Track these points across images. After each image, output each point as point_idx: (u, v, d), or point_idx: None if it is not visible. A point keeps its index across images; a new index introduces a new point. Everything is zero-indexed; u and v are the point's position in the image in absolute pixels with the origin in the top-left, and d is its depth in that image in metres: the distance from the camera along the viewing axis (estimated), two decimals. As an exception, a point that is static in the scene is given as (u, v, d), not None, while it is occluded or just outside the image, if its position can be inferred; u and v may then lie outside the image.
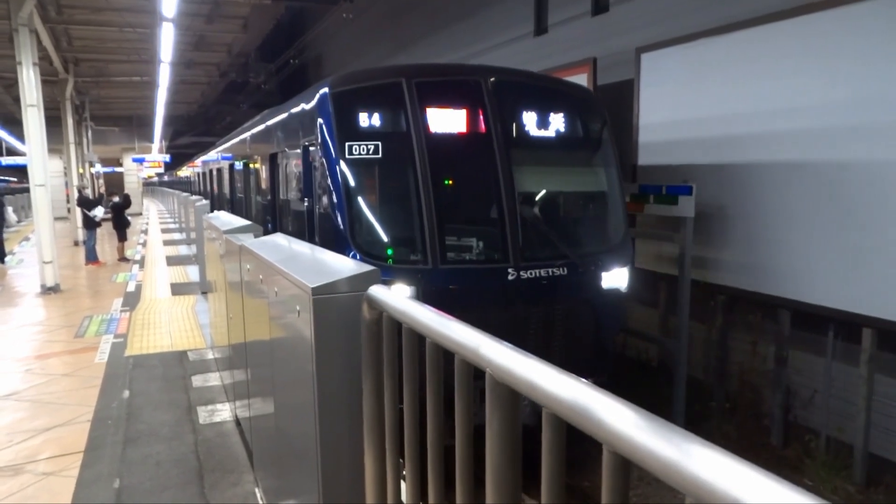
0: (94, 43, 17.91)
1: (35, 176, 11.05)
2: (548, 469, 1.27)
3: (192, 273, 12.73)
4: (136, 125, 35.73)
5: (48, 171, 11.50)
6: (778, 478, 0.80)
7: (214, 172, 16.88)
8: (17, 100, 11.77)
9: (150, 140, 37.52)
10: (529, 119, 6.03)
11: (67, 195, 24.58)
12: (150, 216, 32.39)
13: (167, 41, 15.21)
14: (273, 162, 8.45)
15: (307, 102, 6.32)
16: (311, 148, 6.15)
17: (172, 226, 24.81)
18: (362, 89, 5.80)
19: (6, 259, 15.18)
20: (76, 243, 18.12)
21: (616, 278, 6.01)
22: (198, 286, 10.89)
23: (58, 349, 7.42)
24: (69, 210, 22.29)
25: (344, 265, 2.58)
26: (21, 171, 33.67)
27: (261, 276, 3.22)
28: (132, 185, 37.35)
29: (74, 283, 12.21)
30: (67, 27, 16.12)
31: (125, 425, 5.05)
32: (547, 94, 6.38)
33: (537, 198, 6.22)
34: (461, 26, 14.99)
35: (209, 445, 4.67)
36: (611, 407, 1.08)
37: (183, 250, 16.74)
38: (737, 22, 7.02)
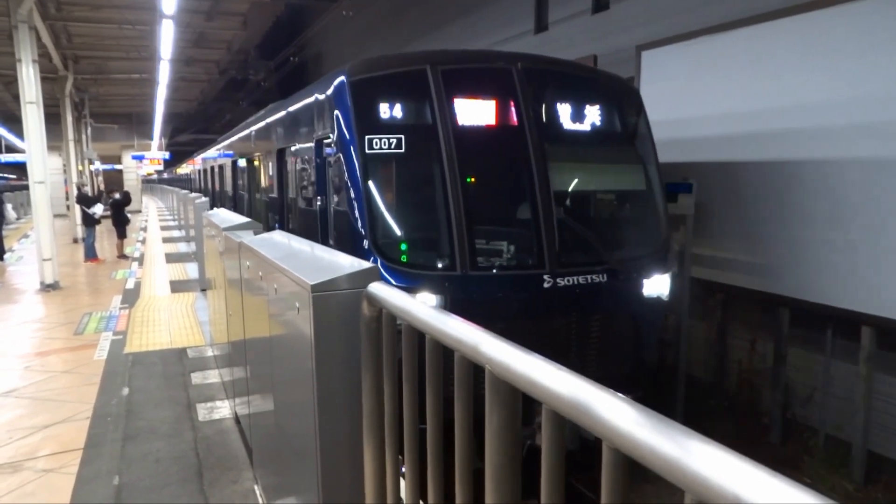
0: (93, 40, 17.87)
1: (34, 173, 11.04)
2: (547, 467, 1.27)
3: (191, 270, 12.72)
4: (135, 122, 35.67)
5: (47, 169, 11.49)
6: (777, 474, 0.80)
7: (216, 169, 16.70)
8: (16, 97, 11.76)
9: (150, 137, 37.47)
10: (564, 111, 5.56)
11: (67, 192, 24.57)
12: (150, 213, 32.37)
13: (167, 38, 15.19)
14: (281, 158, 8.03)
15: (321, 92, 5.84)
16: (326, 142, 5.76)
17: (172, 223, 24.79)
18: (383, 77, 5.33)
19: (5, 256, 15.16)
20: (75, 240, 18.10)
21: (657, 285, 5.53)
22: (197, 283, 10.89)
23: (57, 346, 7.41)
24: (68, 207, 22.28)
25: (343, 262, 2.57)
26: (20, 168, 33.65)
27: (260, 274, 3.22)
28: (132, 182, 37.33)
29: (74, 280, 12.20)
30: (67, 24, 16.08)
31: (124, 422, 5.05)
32: (582, 83, 5.91)
33: (574, 197, 5.80)
34: (461, 24, 14.98)
35: (208, 443, 4.67)
36: (610, 403, 1.07)
37: (182, 247, 16.73)
38: (738, 20, 7.01)
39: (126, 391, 5.78)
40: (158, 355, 6.94)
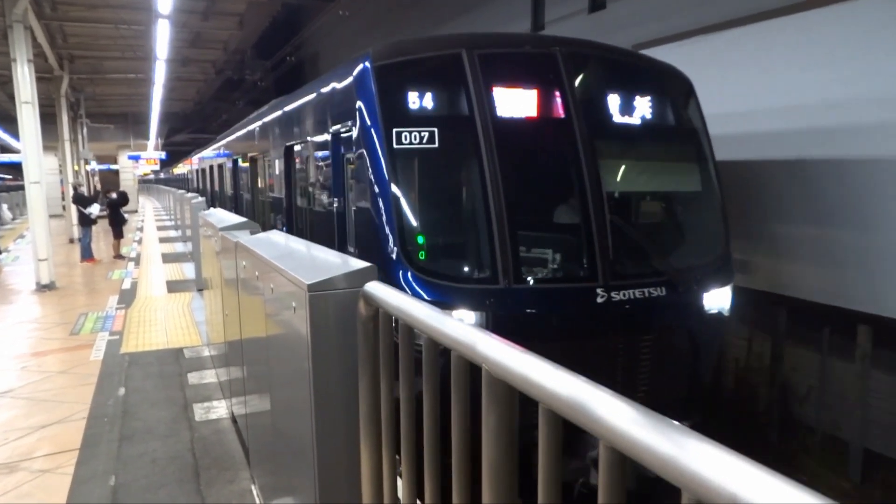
0: (89, 40, 17.82)
1: (30, 173, 11.01)
2: (544, 467, 1.26)
3: (187, 270, 12.69)
4: (131, 122, 35.60)
5: (43, 169, 11.46)
6: (775, 472, 0.79)
7: (215, 169, 16.46)
8: (11, 97, 11.72)
9: (146, 137, 37.39)
10: (615, 102, 4.96)
11: (63, 192, 24.49)
12: (146, 213, 32.29)
13: (163, 38, 15.17)
14: (289, 155, 7.42)
15: (339, 80, 5.26)
16: (345, 136, 5.20)
17: (168, 223, 24.74)
18: (413, 62, 4.75)
19: (1, 256, 15.12)
20: (71, 241, 18.05)
21: (719, 299, 4.92)
22: (194, 283, 10.86)
23: (53, 346, 7.39)
24: (64, 207, 22.22)
25: (340, 262, 2.57)
26: (16, 169, 33.56)
27: (256, 273, 3.21)
28: (128, 182, 37.27)
29: (70, 280, 12.16)
30: (62, 24, 16.03)
31: (121, 422, 5.04)
32: (633, 71, 5.33)
33: (629, 199, 5.23)
34: (458, 23, 15.00)
35: (205, 443, 4.66)
36: (608, 403, 1.07)
37: (179, 247, 16.69)
38: (734, 19, 7.02)
39: (122, 391, 5.76)
40: (155, 355, 6.92)
